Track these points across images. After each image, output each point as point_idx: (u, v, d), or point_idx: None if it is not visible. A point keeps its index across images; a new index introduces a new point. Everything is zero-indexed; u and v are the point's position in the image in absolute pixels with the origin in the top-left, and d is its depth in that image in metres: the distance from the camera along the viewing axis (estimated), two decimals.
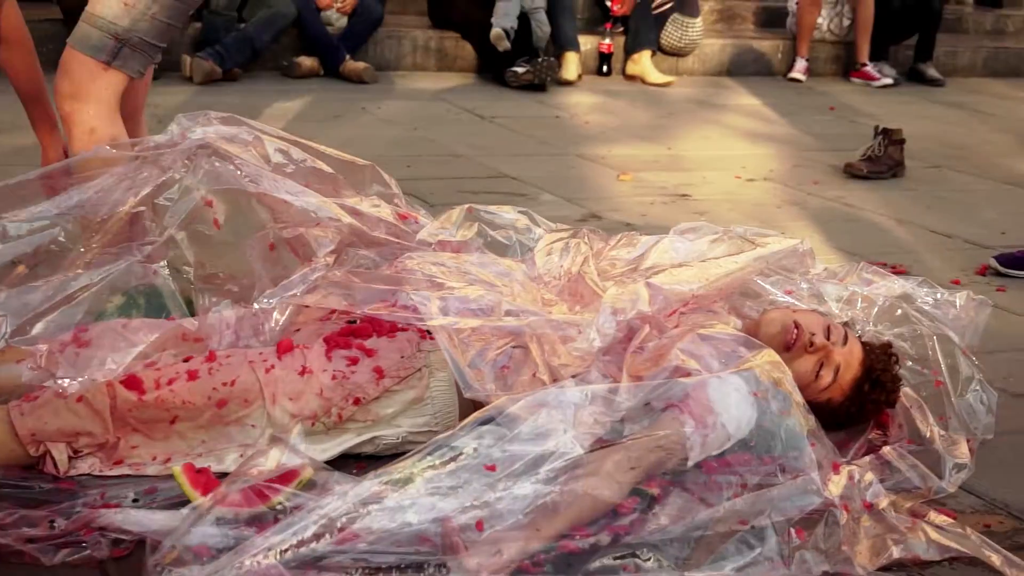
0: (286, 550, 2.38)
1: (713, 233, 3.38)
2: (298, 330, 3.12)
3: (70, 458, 2.82)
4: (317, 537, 2.42)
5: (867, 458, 3.06)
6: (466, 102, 8.25)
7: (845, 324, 3.28)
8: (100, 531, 2.55)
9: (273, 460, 2.57)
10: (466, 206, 3.63)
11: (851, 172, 6.66)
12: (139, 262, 3.27)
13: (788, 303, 3.38)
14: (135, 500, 2.73)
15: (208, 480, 2.72)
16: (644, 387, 2.71)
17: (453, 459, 2.51)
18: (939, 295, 3.46)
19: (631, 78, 9.56)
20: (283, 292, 3.13)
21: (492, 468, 2.49)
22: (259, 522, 2.52)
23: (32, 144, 3.91)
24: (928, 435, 3.19)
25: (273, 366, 2.91)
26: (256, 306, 3.13)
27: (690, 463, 2.81)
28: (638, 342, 2.82)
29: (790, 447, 2.73)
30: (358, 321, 3.10)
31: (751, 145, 7.52)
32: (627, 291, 2.88)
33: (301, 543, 2.40)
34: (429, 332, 2.99)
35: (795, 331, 3.12)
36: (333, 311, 3.18)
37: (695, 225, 3.45)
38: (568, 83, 9.12)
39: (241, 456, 2.84)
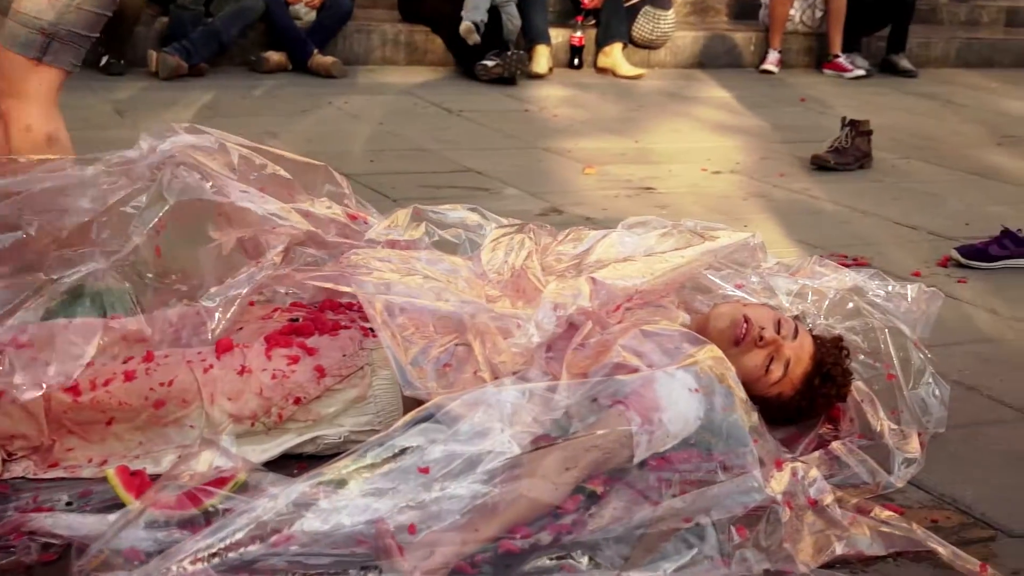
0: (215, 554, 2.35)
1: (662, 227, 3.35)
2: (241, 329, 3.07)
3: (3, 461, 2.78)
4: (249, 540, 2.38)
5: (816, 453, 3.03)
6: (434, 96, 8.21)
7: (796, 318, 3.25)
8: (30, 535, 2.50)
9: (204, 463, 2.53)
10: (412, 207, 3.60)
11: (818, 164, 6.62)
12: (102, 269, 3.24)
13: (738, 297, 3.35)
14: (68, 503, 2.68)
15: (143, 483, 2.69)
16: (584, 384, 2.67)
17: (388, 460, 2.47)
18: (890, 287, 3.42)
19: (602, 71, 9.53)
20: (227, 291, 3.08)
21: (426, 471, 2.45)
22: (191, 525, 2.47)
23: None
24: (879, 429, 3.15)
25: (212, 366, 2.87)
26: (200, 304, 3.08)
27: (636, 460, 2.78)
28: (580, 338, 2.78)
29: (732, 444, 2.70)
30: (300, 319, 3.06)
31: (719, 137, 7.49)
32: (568, 286, 2.84)
33: (230, 547, 2.37)
34: (372, 330, 2.95)
35: (744, 325, 3.08)
36: (276, 309, 3.15)
37: (644, 219, 3.41)
38: (539, 76, 9.08)
39: (180, 458, 2.80)
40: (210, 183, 3.23)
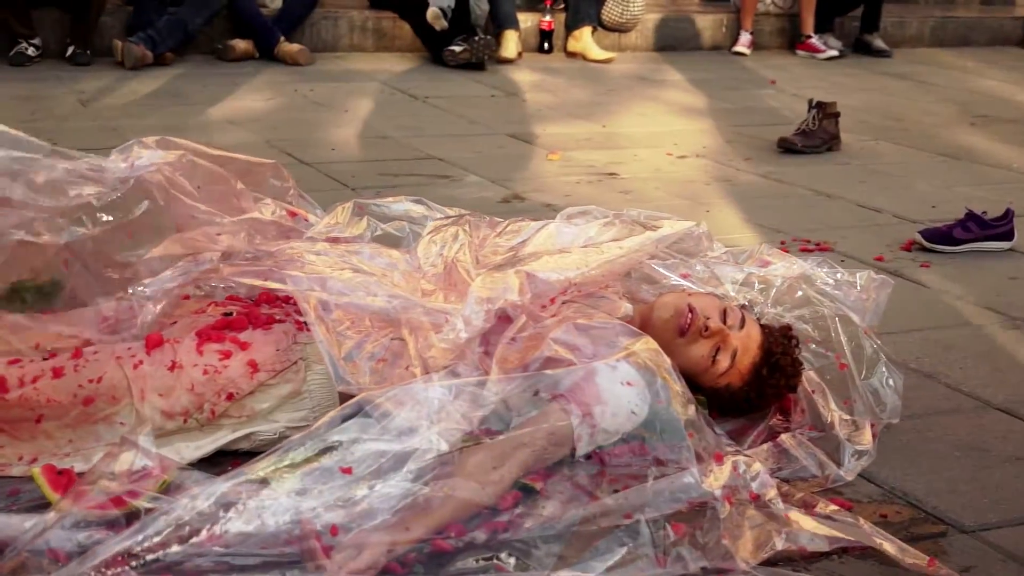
0: (135, 555, 2.28)
1: (604, 217, 3.28)
2: (174, 323, 3.01)
3: None
4: (171, 541, 2.32)
5: (764, 446, 2.97)
6: (401, 83, 8.14)
7: (743, 307, 3.18)
8: None
9: (124, 463, 2.46)
10: (353, 201, 3.53)
11: (785, 147, 6.57)
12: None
13: (684, 287, 3.29)
14: None
15: (69, 481, 2.63)
16: (513, 379, 2.61)
17: (311, 459, 2.41)
18: (839, 275, 3.36)
19: (572, 55, 9.46)
20: (161, 283, 3.02)
21: (348, 471, 2.39)
22: (115, 526, 2.41)
23: None
24: (830, 420, 3.10)
25: (141, 362, 2.80)
26: (132, 296, 3.01)
27: (578, 455, 2.73)
28: (512, 332, 2.72)
29: (667, 439, 2.64)
30: (234, 313, 3.00)
31: (687, 121, 7.42)
32: (496, 280, 2.77)
33: (151, 548, 2.30)
34: (307, 324, 2.88)
35: (689, 315, 3.02)
36: (211, 303, 3.09)
37: (585, 209, 3.34)
38: (508, 61, 9.01)
39: (103, 457, 2.72)
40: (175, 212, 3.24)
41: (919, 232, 4.90)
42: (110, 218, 3.21)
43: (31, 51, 8.04)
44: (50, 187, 3.17)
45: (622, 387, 2.75)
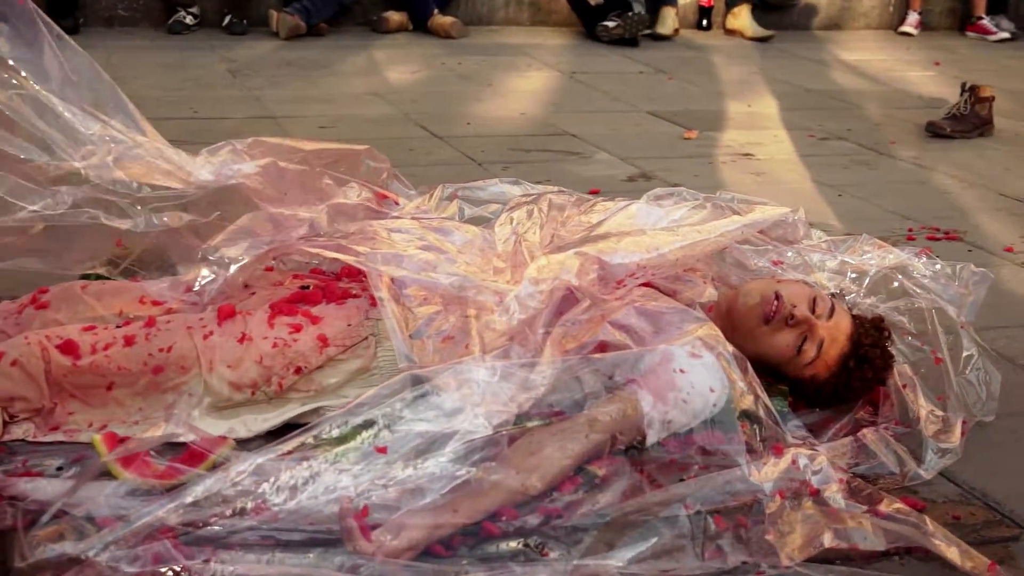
0: (175, 527, 2.30)
1: (693, 199, 3.21)
2: (253, 294, 3.03)
3: (5, 423, 2.76)
4: (217, 514, 2.34)
5: (845, 440, 2.88)
6: (551, 57, 8.10)
7: (834, 296, 3.09)
8: (10, 500, 2.49)
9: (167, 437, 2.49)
10: (441, 184, 3.53)
11: (933, 131, 6.38)
12: None
13: (772, 273, 3.20)
14: (59, 468, 2.66)
15: (128, 450, 2.65)
16: (565, 363, 2.56)
17: (352, 434, 2.40)
18: (937, 266, 3.24)
19: (731, 32, 9.33)
20: (235, 250, 3.01)
21: (383, 450, 2.38)
22: (163, 498, 2.44)
23: None
24: (917, 416, 2.99)
25: (212, 332, 2.82)
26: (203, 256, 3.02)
27: (648, 442, 2.67)
28: (572, 315, 2.67)
29: (718, 428, 2.57)
30: (311, 287, 3.00)
31: (836, 102, 7.26)
32: (555, 261, 2.72)
33: (193, 521, 2.32)
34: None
35: (775, 302, 2.94)
36: (291, 276, 3.11)
37: (673, 190, 3.27)
38: (664, 38, 8.92)
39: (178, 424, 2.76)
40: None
41: None
42: (191, 217, 3.25)
43: (189, 20, 8.20)
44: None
45: (699, 373, 2.69)
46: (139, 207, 3.20)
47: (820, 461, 2.62)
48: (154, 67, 7.15)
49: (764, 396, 2.67)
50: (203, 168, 3.29)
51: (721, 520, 2.42)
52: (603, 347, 2.64)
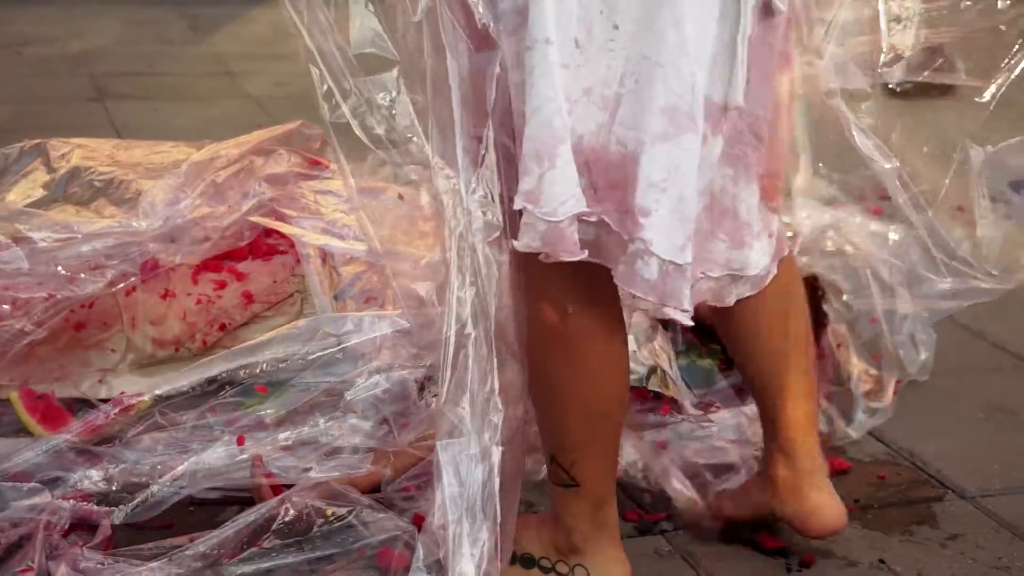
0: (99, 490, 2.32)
1: None
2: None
3: None
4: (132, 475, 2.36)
5: None
6: None
7: None
8: None
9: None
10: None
11: None
12: None
13: None
14: None
15: (48, 407, 2.62)
16: None
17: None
18: (872, 227, 3.22)
19: None
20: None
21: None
22: (88, 455, 2.44)
23: None
24: (849, 375, 2.98)
25: (134, 288, 2.78)
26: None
27: None
28: None
29: None
30: None
31: None
32: None
33: (112, 479, 2.33)
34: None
35: None
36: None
37: None
38: None
39: (100, 381, 2.73)
40: None
41: None
42: None
43: None
44: None
45: None
46: None
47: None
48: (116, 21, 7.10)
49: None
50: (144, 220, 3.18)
51: None
52: None
